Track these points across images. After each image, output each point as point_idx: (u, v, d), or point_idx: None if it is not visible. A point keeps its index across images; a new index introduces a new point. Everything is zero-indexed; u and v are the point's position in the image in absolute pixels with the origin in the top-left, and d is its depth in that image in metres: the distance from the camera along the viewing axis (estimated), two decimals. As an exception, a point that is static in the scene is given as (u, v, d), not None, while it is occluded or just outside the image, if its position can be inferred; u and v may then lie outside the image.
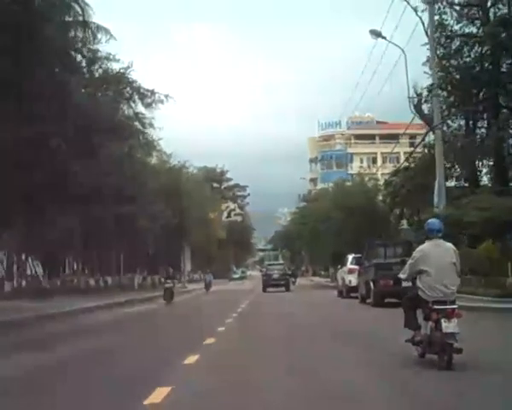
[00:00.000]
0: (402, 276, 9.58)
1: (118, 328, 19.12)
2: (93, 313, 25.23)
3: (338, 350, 11.61)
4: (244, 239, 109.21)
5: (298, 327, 16.37)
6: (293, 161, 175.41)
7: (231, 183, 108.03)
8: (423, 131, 73.94)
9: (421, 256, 9.07)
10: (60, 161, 26.37)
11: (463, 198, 26.96)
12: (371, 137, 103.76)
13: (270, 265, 51.94)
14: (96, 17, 34.25)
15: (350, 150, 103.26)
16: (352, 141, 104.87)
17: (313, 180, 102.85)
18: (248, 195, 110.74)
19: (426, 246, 9.20)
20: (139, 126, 44.15)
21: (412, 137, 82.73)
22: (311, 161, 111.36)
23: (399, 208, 44.59)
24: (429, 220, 9.62)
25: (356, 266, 29.56)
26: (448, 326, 8.42)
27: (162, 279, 35.97)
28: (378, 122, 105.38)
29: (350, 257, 33.06)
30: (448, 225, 25.90)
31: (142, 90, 43.99)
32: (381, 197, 47.58)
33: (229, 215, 69.09)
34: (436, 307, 8.66)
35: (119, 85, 42.65)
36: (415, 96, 33.64)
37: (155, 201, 40.74)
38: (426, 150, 38.71)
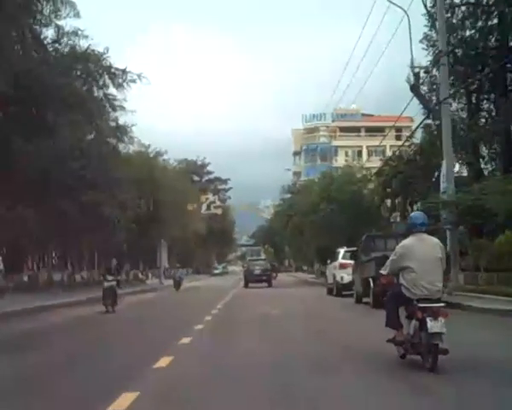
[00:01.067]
0: (383, 272, 8.99)
1: (33, 344, 13.19)
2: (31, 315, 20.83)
3: (359, 387, 7.56)
4: (225, 234, 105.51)
5: (288, 344, 11.58)
6: (276, 155, 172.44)
7: (212, 176, 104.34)
8: (409, 123, 71.38)
9: (405, 252, 8.54)
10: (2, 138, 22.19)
11: (474, 184, 23.35)
12: (356, 129, 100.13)
13: (251, 260, 50.42)
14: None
15: (335, 143, 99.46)
16: (337, 134, 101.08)
17: (297, 174, 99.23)
18: (230, 188, 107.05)
19: (409, 241, 8.63)
20: (109, 109, 40.22)
21: (398, 130, 80.00)
22: (295, 153, 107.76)
23: (392, 199, 41.08)
24: (412, 214, 9.33)
25: (349, 261, 25.85)
26: (434, 326, 7.85)
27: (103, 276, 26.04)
28: (364, 115, 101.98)
29: (341, 251, 29.26)
30: (462, 213, 22.94)
31: (112, 70, 40.01)
32: (372, 187, 43.98)
33: (208, 208, 65.11)
34: (421, 305, 8.10)
35: (87, 63, 38.56)
36: (413, 73, 31.01)
37: (126, 189, 36.39)
38: (425, 136, 35.61)
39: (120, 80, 40.05)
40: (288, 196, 57.88)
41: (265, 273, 44.32)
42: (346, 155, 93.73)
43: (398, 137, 79.07)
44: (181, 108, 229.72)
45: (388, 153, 64.22)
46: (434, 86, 30.52)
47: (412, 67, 29.95)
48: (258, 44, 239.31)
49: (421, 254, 8.40)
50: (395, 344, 8.76)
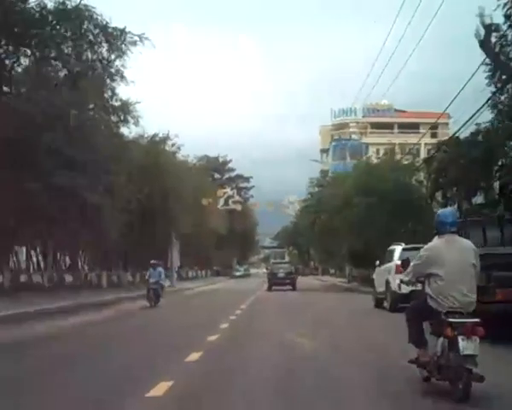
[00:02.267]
0: (404, 279, 7.64)
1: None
2: None
3: None
4: (247, 235, 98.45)
5: None
6: (299, 159, 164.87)
7: (234, 174, 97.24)
8: (446, 120, 63.28)
9: (431, 256, 7.20)
10: None
11: None
12: (389, 126, 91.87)
13: (275, 263, 49.86)
14: None
15: (365, 140, 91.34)
16: (368, 130, 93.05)
17: (324, 172, 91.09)
18: (252, 187, 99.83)
19: (437, 243, 7.30)
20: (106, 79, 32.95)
21: (434, 127, 72.04)
22: (323, 151, 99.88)
23: (447, 191, 33.33)
24: (440, 211, 7.94)
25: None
26: (467, 346, 6.46)
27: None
28: (396, 110, 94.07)
29: (398, 249, 21.32)
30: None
31: (110, 30, 32.76)
32: (422, 177, 36.24)
33: (226, 203, 57.33)
34: (451, 319, 6.70)
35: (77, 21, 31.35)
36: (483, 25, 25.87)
37: (117, 171, 28.68)
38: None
39: (119, 43, 32.93)
40: (317, 190, 49.82)
41: (289, 277, 42.74)
42: (378, 152, 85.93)
43: (433, 135, 71.06)
44: (196, 110, 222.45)
45: (423, 152, 56.98)
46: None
47: (482, 16, 24.88)
48: (275, 44, 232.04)
49: (450, 258, 7.04)
50: (418, 365, 7.40)
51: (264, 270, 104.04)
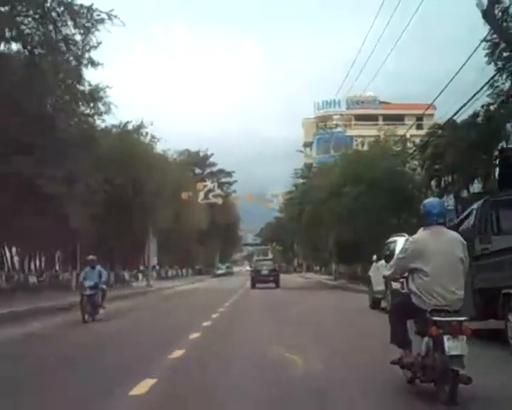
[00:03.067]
0: (386, 273, 7.22)
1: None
2: None
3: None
4: (230, 230, 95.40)
5: None
6: (283, 155, 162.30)
7: (215, 168, 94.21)
8: (431, 111, 60.86)
9: (416, 249, 6.62)
10: None
11: None
12: (373, 117, 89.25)
13: (259, 260, 48.29)
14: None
15: (349, 132, 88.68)
16: (353, 122, 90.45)
17: (308, 165, 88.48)
18: (235, 181, 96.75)
19: (422, 235, 6.71)
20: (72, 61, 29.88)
21: (419, 118, 69.70)
22: (306, 145, 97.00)
23: (443, 178, 30.83)
24: (426, 201, 6.98)
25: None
26: (453, 346, 6.04)
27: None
28: (381, 102, 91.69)
29: (400, 241, 18.25)
30: None
31: (75, 8, 29.69)
32: (415, 165, 33.66)
33: (206, 197, 54.28)
34: (436, 318, 6.25)
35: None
36: None
37: (76, 158, 25.36)
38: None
39: (84, 21, 29.92)
40: (301, 181, 46.93)
41: (272, 274, 42.36)
42: (362, 145, 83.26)
43: (419, 126, 68.62)
44: (181, 107, 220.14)
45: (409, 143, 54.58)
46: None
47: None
48: (273, 43, 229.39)
49: (436, 252, 6.47)
50: (401, 367, 6.91)
51: (248, 268, 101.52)
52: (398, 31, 25.62)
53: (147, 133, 37.30)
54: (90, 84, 31.46)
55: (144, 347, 11.46)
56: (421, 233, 6.77)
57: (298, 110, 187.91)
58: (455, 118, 27.61)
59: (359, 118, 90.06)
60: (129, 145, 35.58)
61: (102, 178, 29.75)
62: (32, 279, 32.68)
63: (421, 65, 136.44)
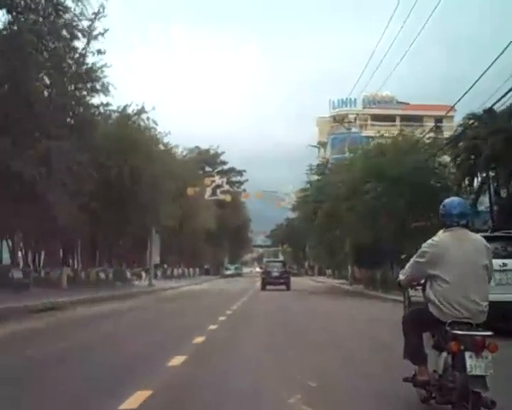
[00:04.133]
0: (401, 277, 6.27)
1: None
2: None
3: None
4: (240, 231, 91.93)
5: None
6: (297, 156, 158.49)
7: (226, 167, 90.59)
8: (451, 113, 56.86)
9: (435, 253, 5.78)
10: None
11: None
12: (391, 118, 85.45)
13: (269, 262, 47.53)
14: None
15: (365, 133, 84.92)
16: (369, 122, 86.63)
17: (324, 162, 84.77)
18: (246, 181, 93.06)
19: (442, 238, 5.86)
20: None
21: (438, 120, 66.12)
22: (320, 145, 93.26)
23: (479, 174, 27.12)
24: (446, 201, 6.04)
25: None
26: (475, 365, 5.17)
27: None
28: (399, 102, 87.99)
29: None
30: None
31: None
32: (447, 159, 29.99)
33: (214, 193, 50.55)
34: (457, 331, 5.42)
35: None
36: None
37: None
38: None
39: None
40: (317, 178, 42.99)
41: (283, 276, 41.23)
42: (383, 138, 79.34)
43: (438, 128, 64.85)
44: (190, 108, 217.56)
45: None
46: None
47: None
48: (274, 41, 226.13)
49: (458, 257, 5.66)
50: (415, 385, 6.09)
51: (258, 269, 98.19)
52: (414, 30, 22.92)
53: (148, 118, 33.62)
54: (83, 61, 28.12)
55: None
56: (441, 236, 5.95)
57: (310, 111, 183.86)
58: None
59: (376, 118, 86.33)
60: (126, 130, 31.82)
61: (91, 162, 25.98)
62: (18, 275, 29.13)
63: (440, 66, 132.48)
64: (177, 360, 8.86)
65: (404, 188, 28.80)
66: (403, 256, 20.06)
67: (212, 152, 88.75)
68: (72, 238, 32.01)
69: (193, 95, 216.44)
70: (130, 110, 32.94)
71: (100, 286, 34.28)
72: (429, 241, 5.91)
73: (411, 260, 6.03)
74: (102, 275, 39.50)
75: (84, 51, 27.78)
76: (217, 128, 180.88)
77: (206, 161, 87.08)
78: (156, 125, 33.76)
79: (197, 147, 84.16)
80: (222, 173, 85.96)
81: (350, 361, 9.49)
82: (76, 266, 37.13)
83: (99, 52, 28.46)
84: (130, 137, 31.41)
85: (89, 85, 29.46)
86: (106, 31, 28.22)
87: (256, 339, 12.12)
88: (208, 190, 49.77)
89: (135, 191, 31.45)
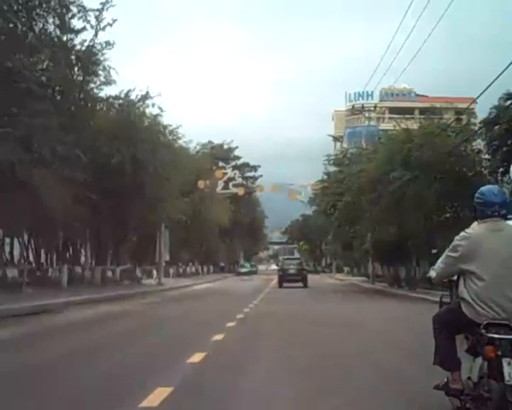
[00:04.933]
0: (431, 274, 5.52)
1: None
2: None
3: None
4: (254, 227, 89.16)
5: None
6: (311, 150, 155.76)
7: (240, 161, 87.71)
8: (472, 106, 53.72)
9: (468, 247, 5.15)
10: None
11: None
12: (409, 111, 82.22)
13: (286, 259, 46.41)
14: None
15: (383, 126, 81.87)
16: (387, 115, 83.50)
17: (344, 152, 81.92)
18: (260, 176, 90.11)
19: (477, 230, 5.22)
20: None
21: (458, 112, 62.80)
22: (336, 139, 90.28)
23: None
24: (484, 188, 5.34)
25: None
26: None
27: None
28: (418, 95, 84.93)
29: None
30: None
31: None
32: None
33: (226, 186, 47.72)
34: (493, 335, 4.80)
35: None
36: None
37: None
38: None
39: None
40: (336, 169, 39.92)
41: (300, 273, 40.80)
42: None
43: (458, 121, 61.48)
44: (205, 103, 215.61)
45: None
46: None
47: None
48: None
49: (494, 251, 5.03)
50: (447, 394, 5.31)
51: (274, 266, 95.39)
52: (432, 21, 20.78)
53: (153, 105, 30.81)
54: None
55: None
56: (475, 228, 5.24)
57: (326, 106, 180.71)
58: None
59: (393, 111, 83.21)
60: (129, 116, 29.04)
61: (88, 148, 23.31)
62: (12, 273, 26.62)
63: (460, 59, 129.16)
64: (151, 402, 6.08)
65: (434, 176, 25.95)
66: (434, 251, 17.97)
67: (225, 147, 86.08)
68: (72, 233, 29.32)
69: (206, 90, 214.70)
70: (133, 96, 30.18)
71: (105, 285, 31.72)
72: (462, 233, 5.26)
73: (443, 255, 5.39)
74: (109, 273, 37.06)
75: (76, 29, 25.32)
76: (231, 124, 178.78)
77: (220, 155, 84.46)
78: (162, 111, 30.99)
79: (210, 141, 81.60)
80: (235, 169, 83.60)
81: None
82: (81, 264, 34.53)
83: (107, 44, 26.75)
84: (133, 124, 28.66)
85: (83, 66, 26.91)
86: (114, 21, 26.41)
87: (269, 380, 7.54)
88: (220, 183, 46.91)
89: (139, 182, 28.71)
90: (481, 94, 25.18)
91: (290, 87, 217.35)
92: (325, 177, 40.72)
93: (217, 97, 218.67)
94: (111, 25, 26.48)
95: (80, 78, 27.03)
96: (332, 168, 41.64)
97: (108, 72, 27.66)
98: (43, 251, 32.11)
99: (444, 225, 27.45)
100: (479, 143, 27.95)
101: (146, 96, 30.15)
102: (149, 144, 29.08)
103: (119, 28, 28.48)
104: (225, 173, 48.57)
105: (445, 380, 5.34)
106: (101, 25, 26.23)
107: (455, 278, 5.41)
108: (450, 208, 28.09)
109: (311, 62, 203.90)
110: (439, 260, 5.41)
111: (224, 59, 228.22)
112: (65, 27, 23.60)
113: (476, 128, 27.29)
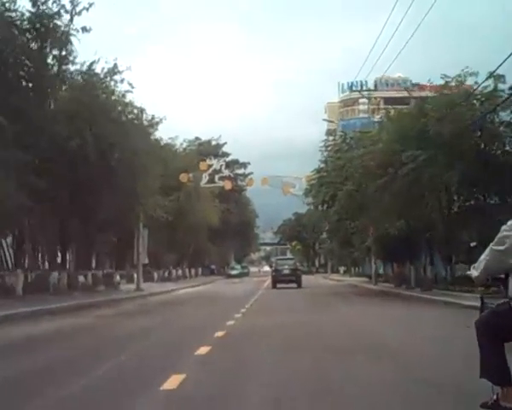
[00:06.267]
0: (473, 273, 4.65)
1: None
2: None
3: None
4: (246, 229, 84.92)
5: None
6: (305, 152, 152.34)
7: (229, 158, 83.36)
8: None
9: None
10: None
11: None
12: (405, 101, 78.18)
13: (279, 259, 46.44)
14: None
15: (378, 118, 77.80)
16: (382, 106, 79.44)
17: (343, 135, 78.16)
18: (250, 173, 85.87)
19: None
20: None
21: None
22: (329, 133, 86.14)
23: None
24: None
25: None
26: None
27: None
28: (414, 85, 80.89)
29: None
30: None
31: None
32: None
33: (211, 180, 43.30)
34: None
35: None
36: None
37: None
38: None
39: None
40: (334, 156, 35.27)
41: (294, 273, 40.21)
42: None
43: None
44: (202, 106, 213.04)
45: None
46: None
47: None
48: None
49: None
50: None
51: (267, 268, 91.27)
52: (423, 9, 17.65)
53: (122, 80, 26.23)
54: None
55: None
56: None
57: (318, 103, 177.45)
58: None
59: (389, 101, 79.30)
60: (92, 91, 24.49)
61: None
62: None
63: (454, 49, 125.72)
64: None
65: (456, 156, 21.66)
66: (473, 244, 16.55)
67: (213, 143, 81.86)
68: (24, 229, 24.85)
69: (206, 90, 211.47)
70: (99, 69, 25.67)
71: (73, 293, 27.17)
72: (510, 222, 4.33)
73: (487, 249, 4.50)
74: (82, 278, 32.56)
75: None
76: (231, 124, 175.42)
77: (207, 152, 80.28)
78: (132, 87, 26.46)
79: (197, 138, 77.79)
80: (226, 167, 79.30)
81: None
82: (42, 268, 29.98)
83: (84, 29, 24.09)
84: (96, 99, 24.21)
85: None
86: (91, 5, 23.82)
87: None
88: (205, 177, 42.50)
89: (106, 169, 24.24)
90: (480, 84, 21.68)
91: (290, 87, 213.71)
92: (322, 166, 36.22)
93: (217, 97, 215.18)
94: (87, 9, 23.88)
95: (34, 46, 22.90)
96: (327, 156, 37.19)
97: (65, 42, 23.50)
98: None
99: (466, 214, 23.23)
100: (508, 115, 23.69)
101: (114, 71, 25.68)
102: (117, 126, 24.64)
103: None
104: (210, 165, 43.99)
105: (495, 397, 4.41)
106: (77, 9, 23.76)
107: (502, 275, 4.49)
108: (474, 194, 23.83)
109: (311, 62, 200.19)
110: (482, 256, 4.51)
111: (224, 59, 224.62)
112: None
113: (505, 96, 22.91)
